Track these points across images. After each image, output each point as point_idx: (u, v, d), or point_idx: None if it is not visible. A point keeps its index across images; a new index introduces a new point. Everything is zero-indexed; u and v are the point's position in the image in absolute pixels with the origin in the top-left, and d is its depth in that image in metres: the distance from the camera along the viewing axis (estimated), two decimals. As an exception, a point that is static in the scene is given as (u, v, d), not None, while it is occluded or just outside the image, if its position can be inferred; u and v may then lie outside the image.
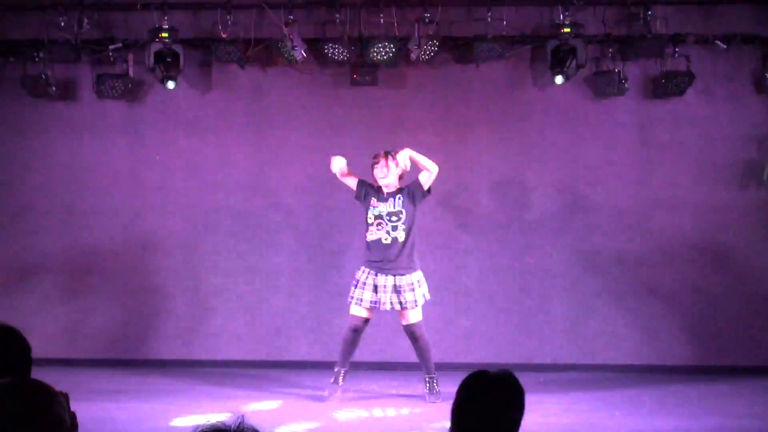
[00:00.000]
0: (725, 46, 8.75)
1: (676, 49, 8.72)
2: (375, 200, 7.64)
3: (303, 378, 8.56)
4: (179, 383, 8.41)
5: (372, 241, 7.58)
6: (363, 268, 7.63)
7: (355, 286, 7.61)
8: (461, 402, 2.91)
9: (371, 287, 7.55)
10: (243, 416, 1.85)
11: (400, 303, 7.52)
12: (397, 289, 7.50)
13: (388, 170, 7.57)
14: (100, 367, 8.91)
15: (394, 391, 8.16)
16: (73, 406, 2.46)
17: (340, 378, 7.70)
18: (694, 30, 8.79)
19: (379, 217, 7.59)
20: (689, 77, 8.72)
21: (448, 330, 9.06)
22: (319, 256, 9.18)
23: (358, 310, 7.60)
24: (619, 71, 8.74)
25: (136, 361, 9.03)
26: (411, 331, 7.61)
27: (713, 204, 9.02)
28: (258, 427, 1.85)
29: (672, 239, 9.04)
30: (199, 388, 8.18)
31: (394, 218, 7.57)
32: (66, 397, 2.34)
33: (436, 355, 8.66)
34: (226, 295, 9.22)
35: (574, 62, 8.52)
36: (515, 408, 2.92)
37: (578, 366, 8.99)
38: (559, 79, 8.66)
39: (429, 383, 7.70)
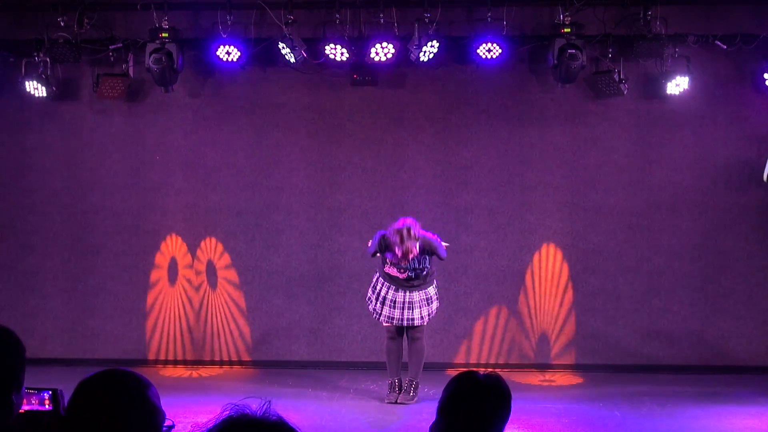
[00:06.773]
0: (725, 46, 8.75)
1: (676, 49, 8.72)
2: (394, 257, 7.43)
3: (303, 378, 8.56)
4: (180, 383, 8.42)
5: (387, 273, 7.60)
6: (381, 280, 7.66)
7: (377, 299, 7.66)
8: (448, 401, 2.91)
9: (390, 302, 7.59)
10: (269, 402, 1.84)
11: (410, 319, 7.56)
12: (408, 305, 7.55)
13: (414, 251, 7.36)
14: (100, 367, 8.87)
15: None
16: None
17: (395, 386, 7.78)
18: (694, 30, 8.79)
19: (398, 265, 7.50)
20: (688, 76, 8.71)
21: (448, 330, 9.06)
22: (319, 256, 9.18)
23: (386, 326, 7.73)
24: (618, 71, 8.73)
25: (136, 361, 9.02)
26: (416, 337, 7.64)
27: (713, 204, 9.02)
28: (282, 415, 1.84)
29: (672, 239, 9.04)
30: (200, 389, 8.19)
31: (417, 269, 7.55)
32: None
33: (435, 355, 8.66)
34: (226, 295, 9.22)
35: (575, 63, 8.50)
36: (501, 412, 2.92)
37: (579, 366, 8.99)
38: (564, 81, 8.63)
39: (409, 384, 7.73)
